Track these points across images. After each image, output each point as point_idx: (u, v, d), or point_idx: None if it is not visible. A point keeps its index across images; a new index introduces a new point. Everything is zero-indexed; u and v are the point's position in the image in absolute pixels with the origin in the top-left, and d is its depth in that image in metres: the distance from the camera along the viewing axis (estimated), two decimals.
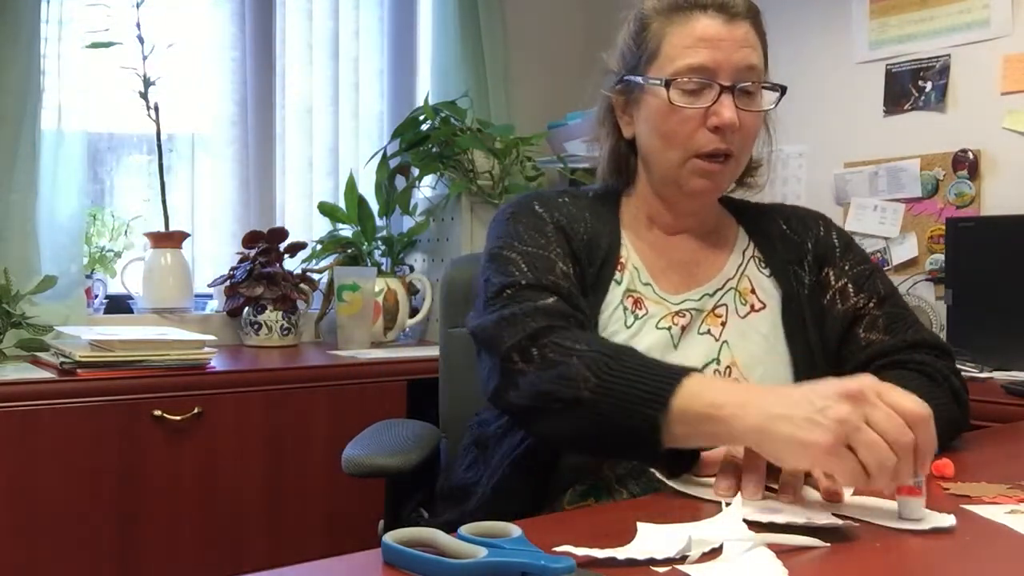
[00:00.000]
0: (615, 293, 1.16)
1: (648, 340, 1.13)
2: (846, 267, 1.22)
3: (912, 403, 0.79)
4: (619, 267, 1.17)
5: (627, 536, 0.74)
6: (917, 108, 2.34)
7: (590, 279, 1.15)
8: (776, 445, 0.81)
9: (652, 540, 0.73)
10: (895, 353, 1.15)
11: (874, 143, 2.42)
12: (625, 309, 1.15)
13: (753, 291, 1.20)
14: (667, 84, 1.11)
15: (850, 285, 1.20)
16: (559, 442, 1.04)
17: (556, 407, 0.95)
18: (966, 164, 2.23)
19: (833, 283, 1.21)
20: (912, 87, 2.34)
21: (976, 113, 2.23)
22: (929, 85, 2.31)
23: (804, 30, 2.56)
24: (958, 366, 1.17)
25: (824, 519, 0.77)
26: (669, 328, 1.14)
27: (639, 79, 1.16)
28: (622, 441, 0.92)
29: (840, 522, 0.78)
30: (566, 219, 1.17)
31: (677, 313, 1.16)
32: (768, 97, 1.16)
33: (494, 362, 1.03)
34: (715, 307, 1.18)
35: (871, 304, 1.19)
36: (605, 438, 0.93)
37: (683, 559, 0.70)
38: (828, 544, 0.73)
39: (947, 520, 0.78)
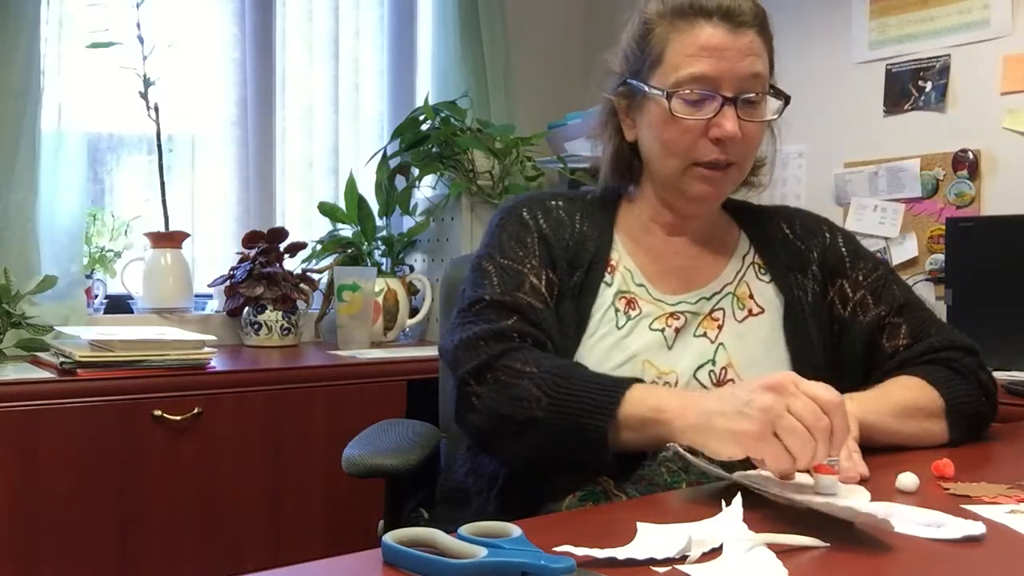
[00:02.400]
0: (606, 295, 1.16)
1: (641, 341, 1.14)
2: (859, 277, 1.22)
3: (826, 392, 0.85)
4: (609, 269, 1.18)
5: (627, 536, 0.74)
6: (917, 108, 2.34)
7: (576, 282, 1.16)
8: (713, 438, 0.89)
9: (652, 540, 0.73)
10: (922, 356, 1.16)
11: (874, 143, 2.42)
12: (617, 310, 1.15)
13: (751, 296, 1.20)
14: (669, 95, 1.11)
15: (869, 296, 1.21)
16: (518, 462, 1.08)
17: (513, 428, 1.01)
18: (966, 164, 2.23)
19: (851, 295, 1.21)
20: (912, 87, 2.34)
21: (976, 113, 2.23)
22: (929, 85, 2.31)
23: (804, 30, 2.56)
24: None
25: (865, 509, 0.75)
26: (663, 330, 1.15)
27: (641, 85, 1.15)
28: (575, 452, 0.98)
29: (880, 514, 0.74)
30: (552, 225, 1.19)
31: (672, 315, 1.16)
32: (772, 104, 1.15)
33: (454, 385, 1.08)
34: (712, 311, 1.18)
35: (892, 314, 1.20)
36: (559, 451, 0.99)
37: (683, 559, 0.70)
38: (828, 544, 0.73)
39: (978, 528, 0.77)
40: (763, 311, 1.19)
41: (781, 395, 0.84)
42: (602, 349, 1.12)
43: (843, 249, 1.25)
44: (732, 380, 1.13)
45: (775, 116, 1.16)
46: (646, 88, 1.14)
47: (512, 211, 1.21)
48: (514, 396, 1.00)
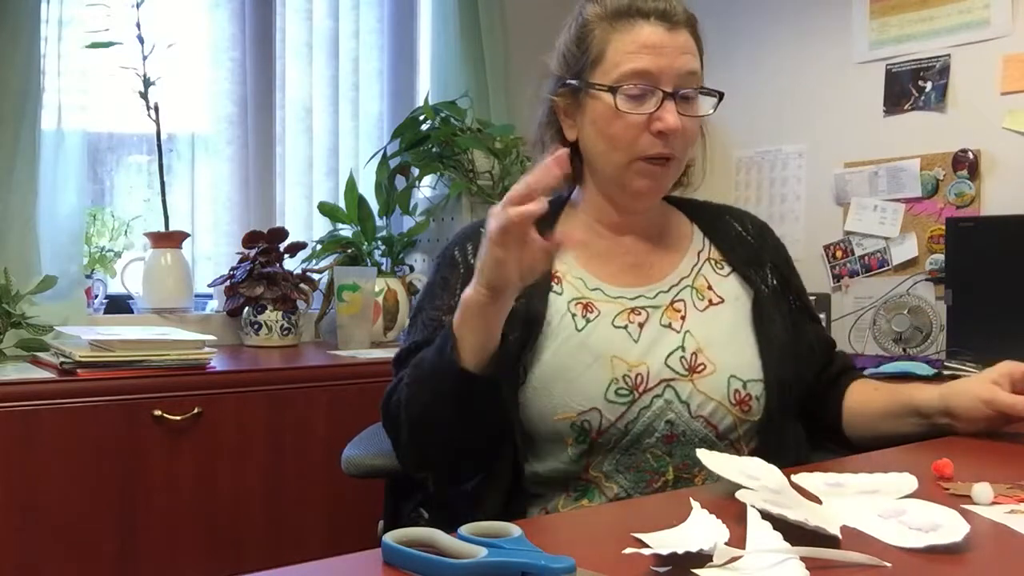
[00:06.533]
0: (558, 303, 1.18)
1: (604, 339, 1.15)
2: (797, 284, 1.32)
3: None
4: (555, 280, 1.20)
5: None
6: (917, 108, 2.34)
7: (522, 296, 1.16)
8: (492, 279, 1.00)
9: (697, 528, 0.73)
10: (846, 373, 1.32)
11: (874, 143, 2.42)
12: (574, 315, 1.17)
13: (710, 288, 1.22)
14: (613, 90, 1.14)
15: (805, 308, 1.32)
16: (443, 467, 1.19)
17: (415, 435, 1.12)
18: (966, 164, 2.23)
19: (793, 303, 1.30)
20: (912, 87, 2.35)
21: (976, 113, 2.23)
22: (929, 85, 2.31)
23: (804, 30, 2.56)
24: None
25: (824, 526, 0.73)
26: (626, 326, 1.16)
27: (583, 84, 1.18)
28: (435, 378, 1.07)
29: (838, 534, 0.74)
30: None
31: (632, 310, 1.18)
32: (706, 103, 1.19)
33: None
34: (673, 302, 1.20)
35: (810, 322, 1.33)
36: (428, 400, 1.09)
37: (708, 558, 0.67)
38: (888, 564, 0.69)
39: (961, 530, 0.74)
40: (723, 301, 1.22)
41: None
42: (566, 352, 1.13)
43: (785, 256, 1.33)
44: (704, 365, 1.14)
45: (711, 111, 1.20)
46: (589, 85, 1.17)
47: (446, 252, 1.27)
48: (405, 412, 1.12)
